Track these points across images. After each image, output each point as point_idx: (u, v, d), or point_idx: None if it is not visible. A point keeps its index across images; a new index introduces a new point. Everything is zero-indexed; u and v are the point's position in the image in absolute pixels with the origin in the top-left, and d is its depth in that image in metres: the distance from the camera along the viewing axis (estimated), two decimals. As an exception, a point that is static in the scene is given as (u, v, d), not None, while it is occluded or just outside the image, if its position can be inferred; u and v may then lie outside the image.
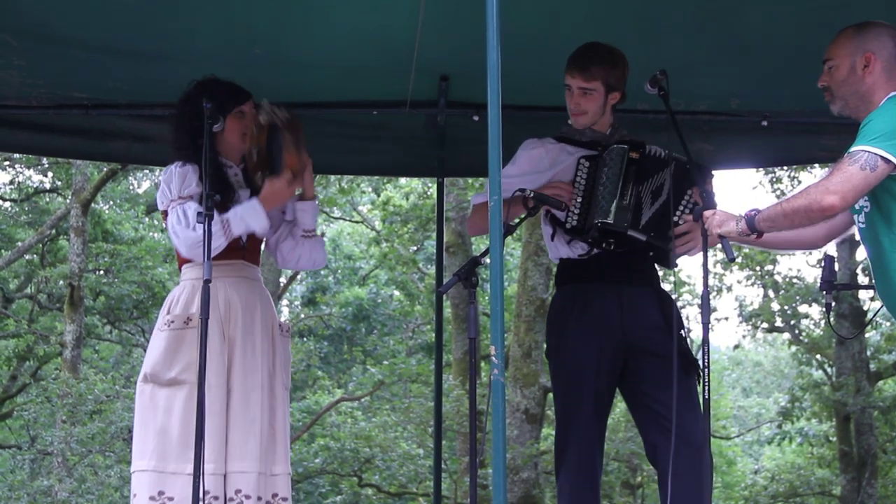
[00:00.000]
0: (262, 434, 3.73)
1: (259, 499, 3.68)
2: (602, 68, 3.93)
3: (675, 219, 3.88)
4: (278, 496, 3.77)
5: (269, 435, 3.77)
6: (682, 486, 3.77)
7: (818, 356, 15.58)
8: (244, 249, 3.86)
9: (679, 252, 3.95)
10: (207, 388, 3.64)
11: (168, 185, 3.78)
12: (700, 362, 3.48)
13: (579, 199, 3.91)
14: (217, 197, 3.55)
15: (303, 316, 20.36)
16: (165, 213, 3.79)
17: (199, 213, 3.54)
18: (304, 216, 3.97)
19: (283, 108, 3.80)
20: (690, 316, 14.93)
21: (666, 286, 4.15)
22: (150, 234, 18.41)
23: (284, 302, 21.65)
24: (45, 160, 15.43)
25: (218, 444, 3.65)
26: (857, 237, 3.58)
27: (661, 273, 4.21)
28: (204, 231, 3.49)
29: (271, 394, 3.81)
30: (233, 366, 3.75)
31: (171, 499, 3.64)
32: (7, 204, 17.35)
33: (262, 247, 4.09)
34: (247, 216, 3.71)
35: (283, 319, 4.06)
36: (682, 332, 3.99)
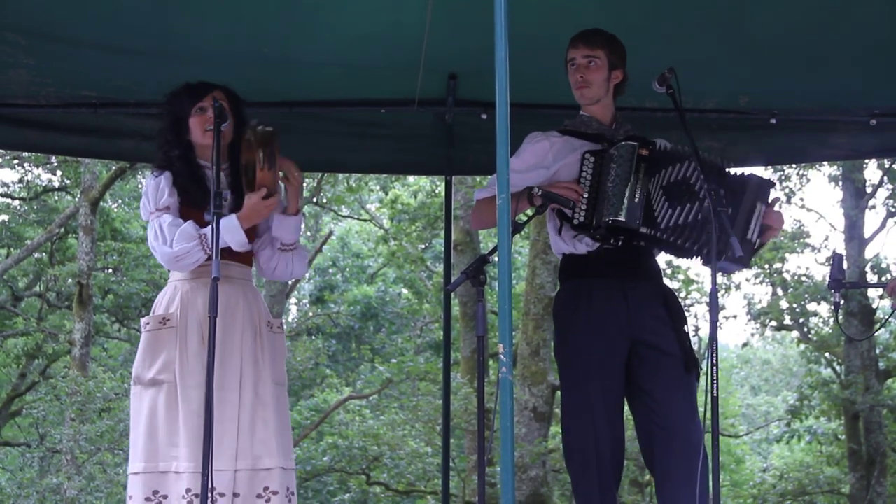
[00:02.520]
0: (241, 432, 3.72)
1: (236, 495, 3.67)
2: (604, 42, 3.98)
3: (750, 236, 3.82)
4: (269, 489, 3.75)
5: (256, 431, 3.75)
6: (675, 485, 3.78)
7: (827, 354, 15.55)
8: (229, 249, 3.81)
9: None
10: (185, 389, 3.70)
11: (146, 196, 3.86)
12: (709, 360, 3.47)
13: (586, 195, 3.89)
14: (226, 195, 3.56)
15: (311, 314, 20.37)
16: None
17: (206, 214, 3.59)
18: (280, 231, 3.93)
19: (261, 125, 3.76)
20: (699, 314, 14.92)
21: (674, 284, 4.14)
22: (159, 232, 18.38)
23: (293, 300, 21.67)
24: (53, 159, 15.45)
25: (195, 443, 3.62)
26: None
27: (668, 271, 4.20)
28: (212, 229, 3.51)
29: (257, 390, 3.80)
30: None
31: (165, 497, 3.67)
32: (16, 202, 17.39)
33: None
34: (224, 233, 3.69)
35: (289, 317, 4.04)
36: (686, 328, 3.98)
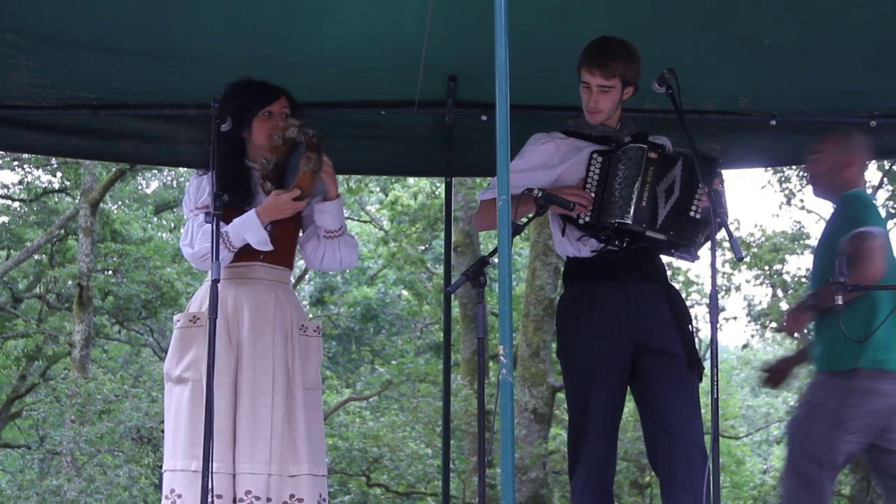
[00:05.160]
0: (273, 436, 3.71)
1: (269, 500, 3.67)
2: (621, 64, 3.89)
3: (692, 214, 3.85)
4: (294, 497, 3.73)
5: (285, 437, 3.74)
6: (678, 488, 3.79)
7: (827, 356, 15.51)
8: (262, 251, 3.81)
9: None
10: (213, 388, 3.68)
11: (188, 195, 3.88)
12: (710, 361, 3.47)
13: (592, 195, 3.87)
14: (225, 197, 3.54)
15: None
16: None
17: (206, 215, 3.56)
18: (322, 217, 3.90)
19: (310, 128, 3.73)
20: (699, 315, 14.92)
21: (675, 285, 4.13)
22: (159, 234, 18.42)
23: (293, 302, 21.60)
24: (53, 160, 15.47)
25: (223, 444, 3.64)
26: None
27: (669, 272, 4.20)
28: (212, 230, 3.50)
29: (288, 395, 3.78)
30: (241, 368, 3.74)
31: (179, 496, 3.67)
32: (16, 204, 17.40)
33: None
34: (243, 228, 3.69)
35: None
36: (690, 327, 3.98)
